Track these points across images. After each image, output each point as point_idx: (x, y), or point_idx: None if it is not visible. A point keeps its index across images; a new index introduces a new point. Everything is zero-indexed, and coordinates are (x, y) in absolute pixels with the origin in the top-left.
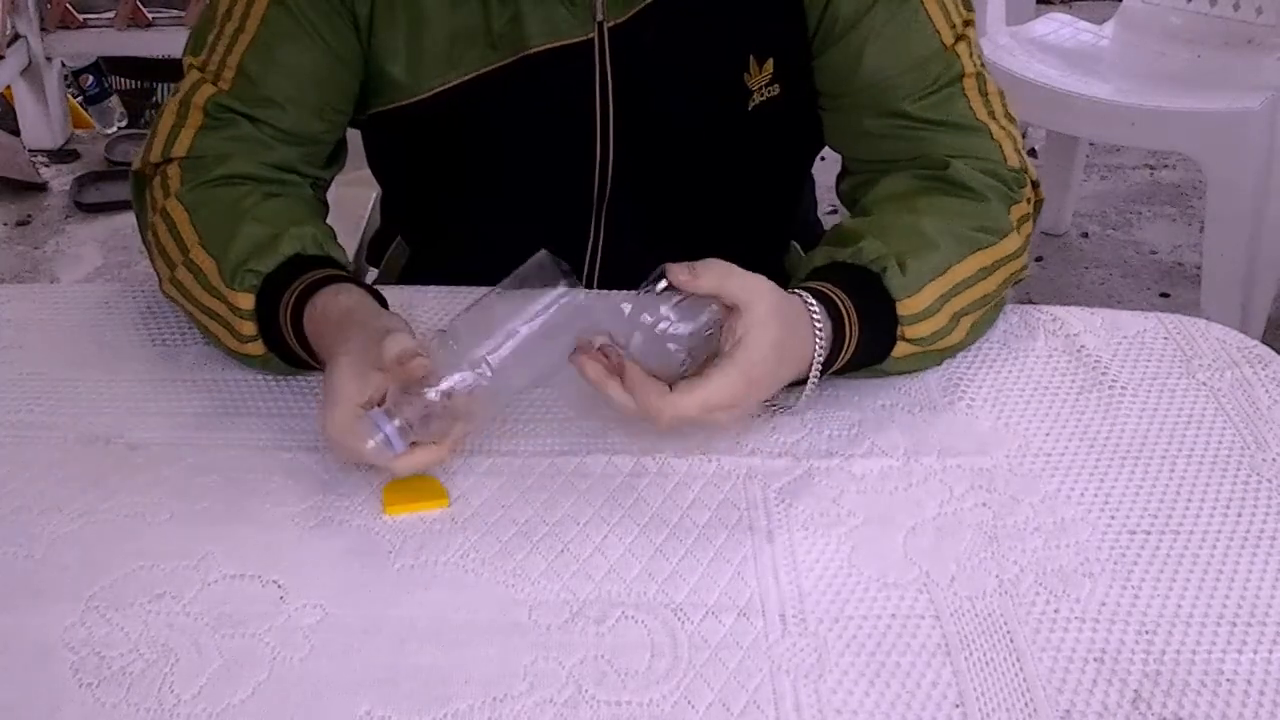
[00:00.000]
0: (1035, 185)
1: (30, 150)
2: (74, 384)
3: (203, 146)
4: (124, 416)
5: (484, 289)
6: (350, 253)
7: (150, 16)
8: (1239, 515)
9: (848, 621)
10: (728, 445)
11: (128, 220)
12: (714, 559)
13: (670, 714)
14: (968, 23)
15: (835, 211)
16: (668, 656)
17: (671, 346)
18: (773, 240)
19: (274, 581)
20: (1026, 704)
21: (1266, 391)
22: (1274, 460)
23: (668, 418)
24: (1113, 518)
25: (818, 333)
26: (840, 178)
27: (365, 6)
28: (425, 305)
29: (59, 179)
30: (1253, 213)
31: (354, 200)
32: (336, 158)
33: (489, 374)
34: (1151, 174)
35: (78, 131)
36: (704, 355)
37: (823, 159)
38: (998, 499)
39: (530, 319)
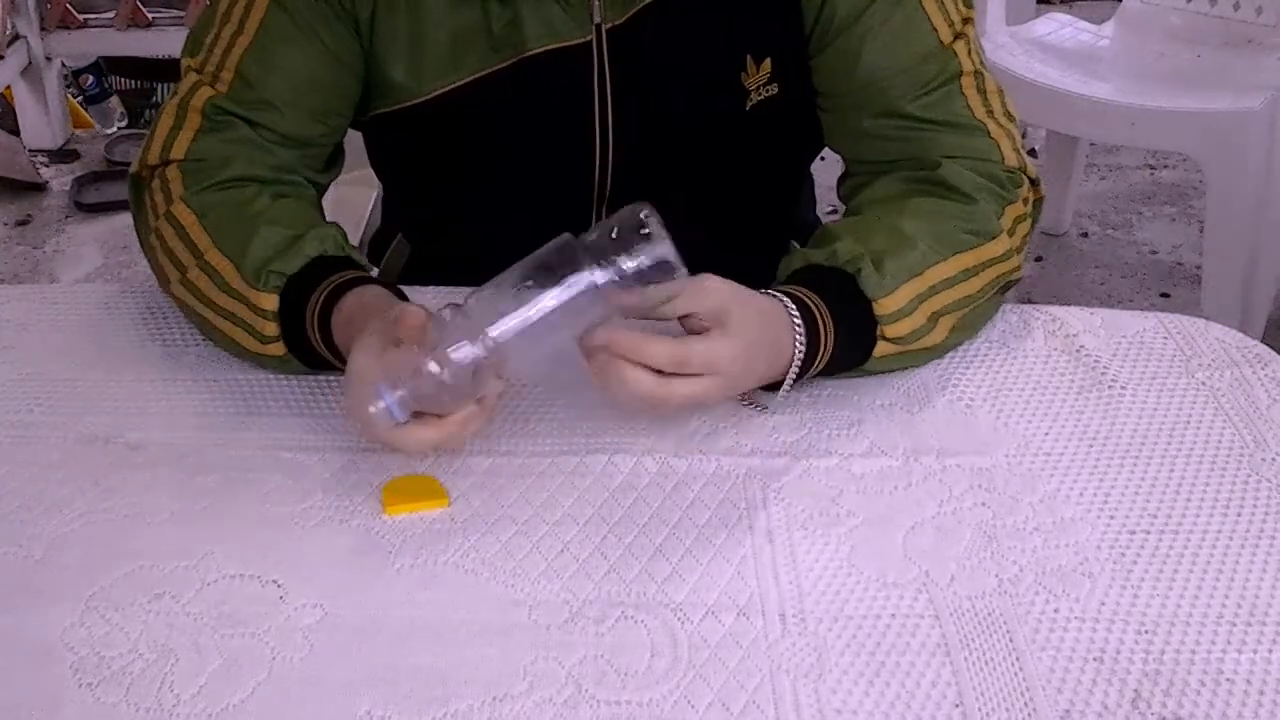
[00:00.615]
0: (1035, 183)
1: (30, 150)
2: (74, 384)
3: (201, 149)
4: (124, 416)
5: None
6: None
7: (150, 16)
8: (1238, 515)
9: (847, 621)
10: (728, 445)
11: (128, 220)
12: (714, 559)
13: (670, 714)
14: (966, 20)
15: (835, 211)
16: (667, 656)
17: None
18: (772, 240)
19: (274, 581)
20: (1026, 704)
21: (1266, 391)
22: (1273, 460)
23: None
24: (1112, 517)
25: (797, 334)
26: (841, 180)
27: (366, 9)
28: (425, 303)
29: (59, 179)
30: (1253, 213)
31: (354, 200)
32: (334, 163)
33: (491, 348)
34: (1151, 174)
35: (78, 131)
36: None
37: (822, 159)
38: (997, 499)
39: (543, 299)
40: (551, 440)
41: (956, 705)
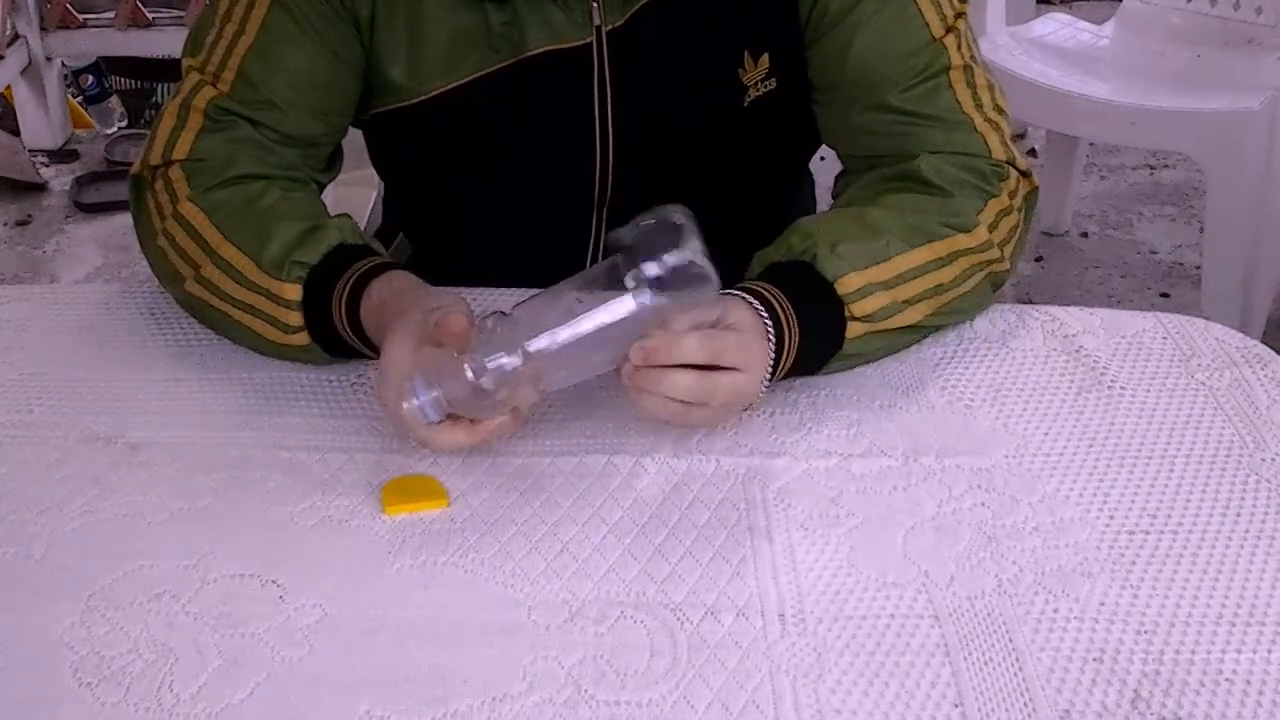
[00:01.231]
0: (1026, 175)
1: (30, 150)
2: (74, 384)
3: (204, 149)
4: (124, 416)
5: (534, 291)
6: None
7: (150, 16)
8: (1238, 515)
9: (847, 621)
10: (727, 445)
11: (128, 220)
12: (713, 559)
13: (670, 714)
14: (959, 15)
15: None
16: (667, 656)
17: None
18: (772, 239)
19: (274, 581)
20: (1026, 704)
21: (1266, 391)
22: (1273, 460)
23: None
24: (1111, 517)
25: (767, 327)
26: (837, 178)
27: (366, 8)
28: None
29: (59, 179)
30: (1253, 213)
31: (354, 200)
32: (334, 163)
33: (530, 362)
34: (1151, 174)
35: (78, 131)
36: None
37: (822, 158)
38: (996, 499)
39: (587, 320)
40: (551, 440)
41: (956, 705)
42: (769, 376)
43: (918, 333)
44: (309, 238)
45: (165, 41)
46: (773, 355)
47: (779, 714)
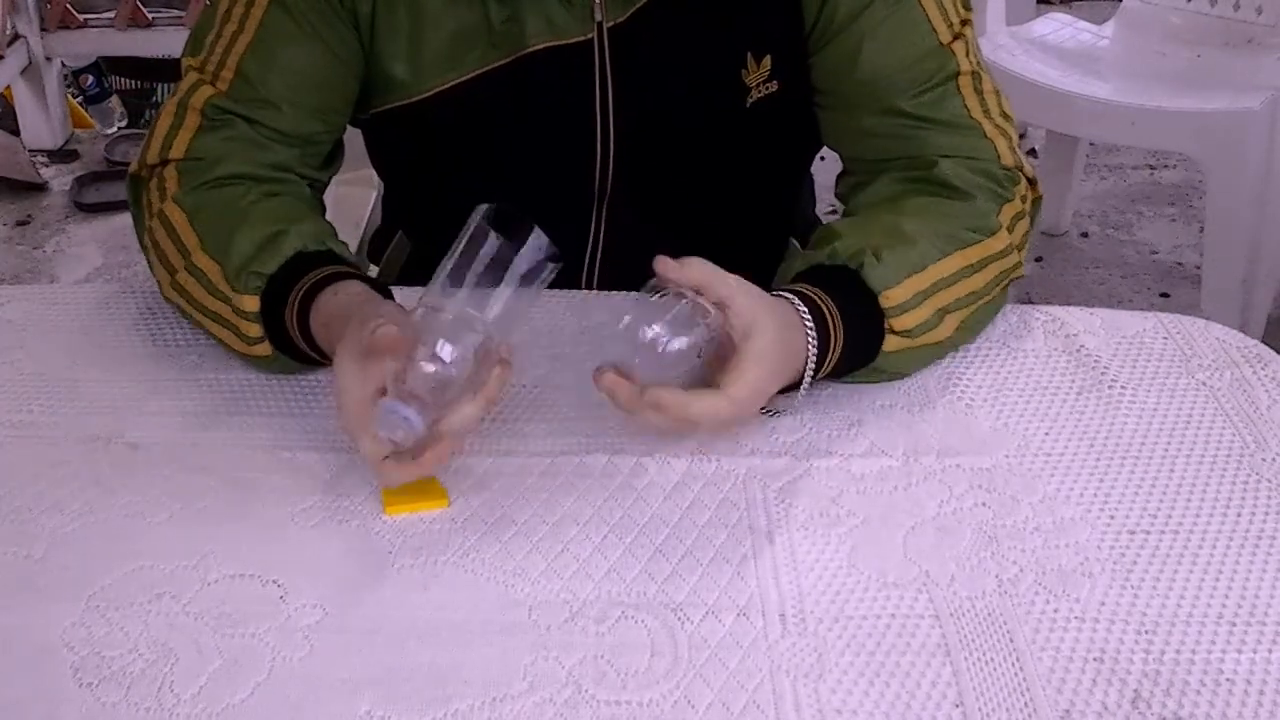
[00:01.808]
0: (1032, 182)
1: (30, 150)
2: (74, 384)
3: (199, 148)
4: (124, 416)
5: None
6: (351, 251)
7: (150, 16)
8: (1238, 515)
9: (847, 621)
10: (728, 445)
11: (128, 220)
12: (714, 559)
13: (670, 714)
14: (965, 21)
15: (835, 211)
16: (668, 656)
17: (670, 360)
18: (772, 239)
19: (274, 581)
20: (1026, 704)
21: (1266, 391)
22: (1273, 460)
23: (708, 423)
24: (1112, 517)
25: (809, 333)
26: (839, 179)
27: (366, 6)
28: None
29: (59, 179)
30: (1252, 213)
31: (354, 200)
32: (334, 159)
33: (484, 328)
34: (1151, 174)
35: (78, 131)
36: (699, 367)
37: (822, 159)
38: (997, 499)
39: (509, 272)
40: (551, 440)
41: (956, 705)
42: (809, 380)
43: (941, 351)
44: (271, 245)
45: (165, 41)
46: (814, 358)
47: (779, 714)
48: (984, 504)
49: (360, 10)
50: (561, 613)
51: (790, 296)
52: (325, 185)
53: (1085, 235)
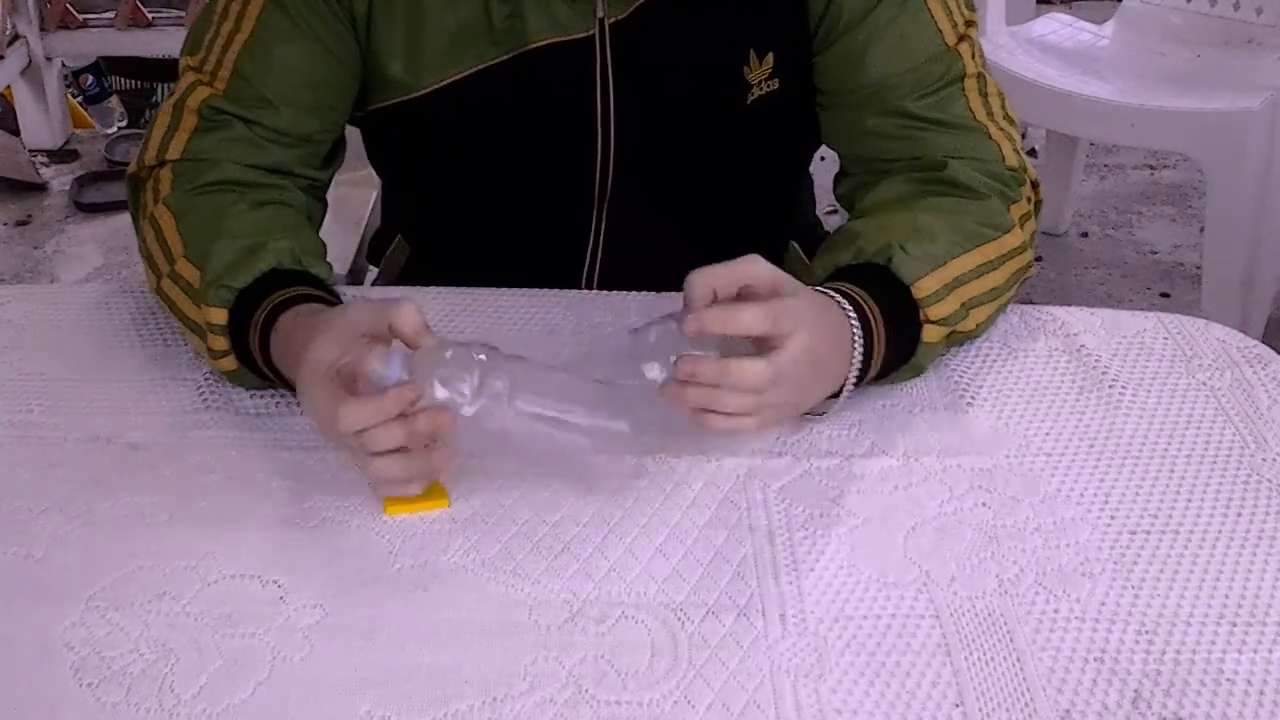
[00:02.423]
0: (1035, 185)
1: (30, 150)
2: (74, 384)
3: (196, 149)
4: (124, 416)
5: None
6: (350, 252)
7: (150, 16)
8: (1239, 515)
9: (848, 621)
10: (727, 446)
11: (128, 220)
12: (714, 559)
13: (670, 714)
14: (969, 23)
15: (835, 211)
16: (668, 656)
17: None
18: (772, 238)
19: (274, 581)
20: (1026, 704)
21: (1266, 391)
22: (1274, 460)
23: (749, 381)
24: (1112, 518)
25: (856, 339)
26: (838, 179)
27: (364, 4)
28: (426, 304)
29: (59, 179)
30: (1253, 213)
31: (354, 200)
32: (334, 157)
33: (483, 355)
34: (1151, 174)
35: (78, 131)
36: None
37: (822, 159)
38: (998, 499)
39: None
40: None
41: (957, 705)
42: (854, 382)
43: (967, 340)
44: (245, 260)
45: (165, 41)
46: (860, 359)
47: (780, 714)
48: (984, 504)
49: (357, 9)
50: (562, 613)
51: (840, 300)
52: (326, 185)
53: (1085, 235)
